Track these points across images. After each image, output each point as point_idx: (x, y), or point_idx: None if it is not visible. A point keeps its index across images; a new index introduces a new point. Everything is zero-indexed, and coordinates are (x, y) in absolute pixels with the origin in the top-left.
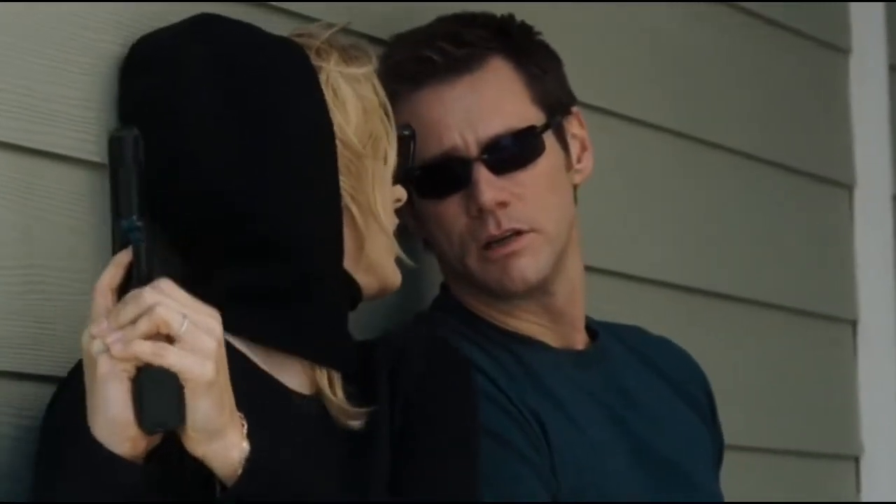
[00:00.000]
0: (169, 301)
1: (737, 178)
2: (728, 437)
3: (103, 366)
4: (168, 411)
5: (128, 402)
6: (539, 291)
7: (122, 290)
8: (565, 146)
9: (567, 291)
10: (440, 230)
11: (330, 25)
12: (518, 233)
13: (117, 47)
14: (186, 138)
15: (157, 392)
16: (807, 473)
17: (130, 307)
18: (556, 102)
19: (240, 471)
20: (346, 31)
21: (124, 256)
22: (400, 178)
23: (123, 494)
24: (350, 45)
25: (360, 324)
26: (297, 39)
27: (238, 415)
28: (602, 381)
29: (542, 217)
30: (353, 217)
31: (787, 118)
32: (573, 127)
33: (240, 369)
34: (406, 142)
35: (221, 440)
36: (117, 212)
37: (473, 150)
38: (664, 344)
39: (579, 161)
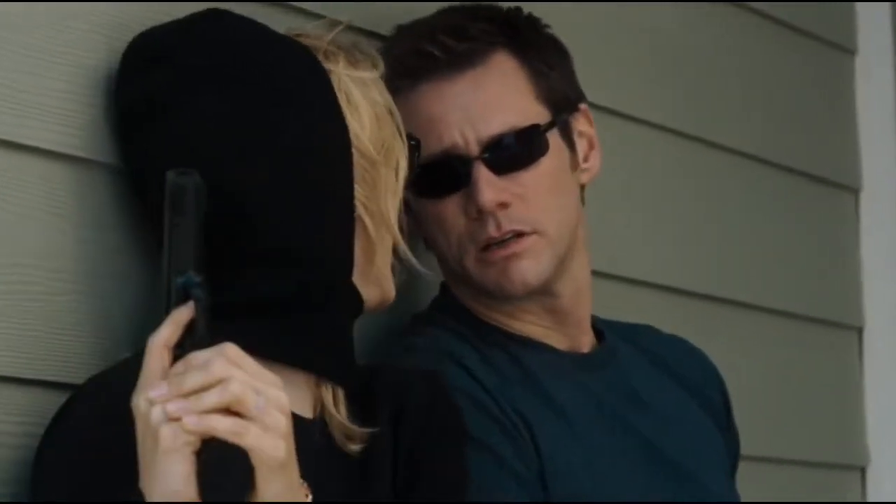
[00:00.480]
0: (240, 374)
1: (740, 179)
2: None
3: (166, 438)
4: (235, 490)
5: (191, 477)
6: (542, 293)
7: (176, 348)
8: (571, 145)
9: (571, 293)
10: (439, 230)
11: (332, 25)
12: (519, 234)
13: (103, 38)
14: (190, 138)
15: (224, 469)
16: (811, 484)
17: (197, 374)
18: (563, 99)
19: None
20: (347, 28)
21: (184, 313)
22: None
23: None
24: (353, 46)
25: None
26: (297, 40)
27: (304, 487)
28: (608, 383)
29: (544, 218)
30: (365, 227)
31: (791, 119)
32: (581, 124)
33: None
34: (411, 152)
35: None
36: (177, 266)
37: (474, 149)
38: (677, 343)
39: (586, 160)
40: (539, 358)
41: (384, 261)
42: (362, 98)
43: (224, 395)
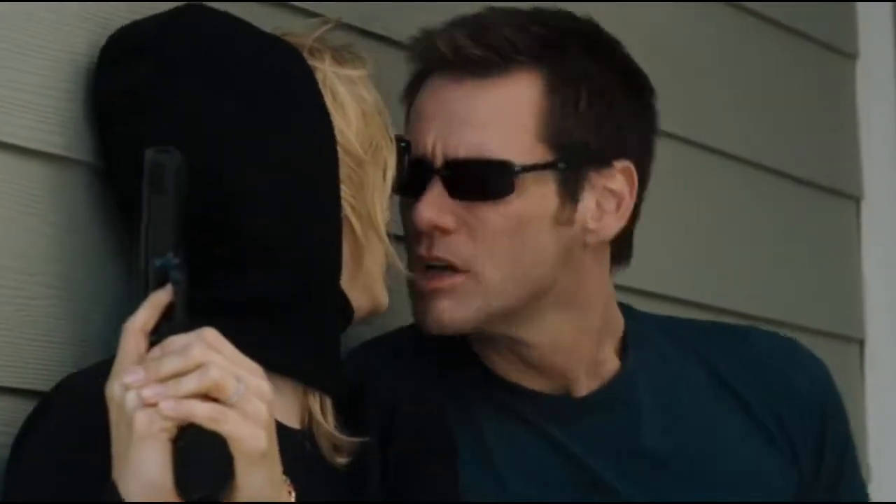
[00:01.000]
0: (220, 359)
1: (737, 185)
2: None
3: (141, 423)
4: (214, 480)
5: (167, 466)
6: (502, 336)
7: (152, 333)
8: (573, 198)
9: (549, 345)
10: (406, 233)
11: (322, 24)
12: (452, 268)
13: (81, 31)
14: (171, 133)
15: (202, 457)
16: None
17: (175, 359)
18: (580, 147)
19: None
20: (343, 29)
21: (162, 297)
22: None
23: None
24: (341, 46)
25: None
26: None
27: (287, 484)
28: (592, 429)
29: (487, 262)
30: (352, 228)
31: (790, 124)
32: (613, 182)
33: None
34: (400, 153)
35: None
36: (153, 247)
37: (438, 162)
38: (769, 355)
39: (597, 220)
40: (498, 400)
41: (375, 264)
42: (348, 95)
43: (203, 380)
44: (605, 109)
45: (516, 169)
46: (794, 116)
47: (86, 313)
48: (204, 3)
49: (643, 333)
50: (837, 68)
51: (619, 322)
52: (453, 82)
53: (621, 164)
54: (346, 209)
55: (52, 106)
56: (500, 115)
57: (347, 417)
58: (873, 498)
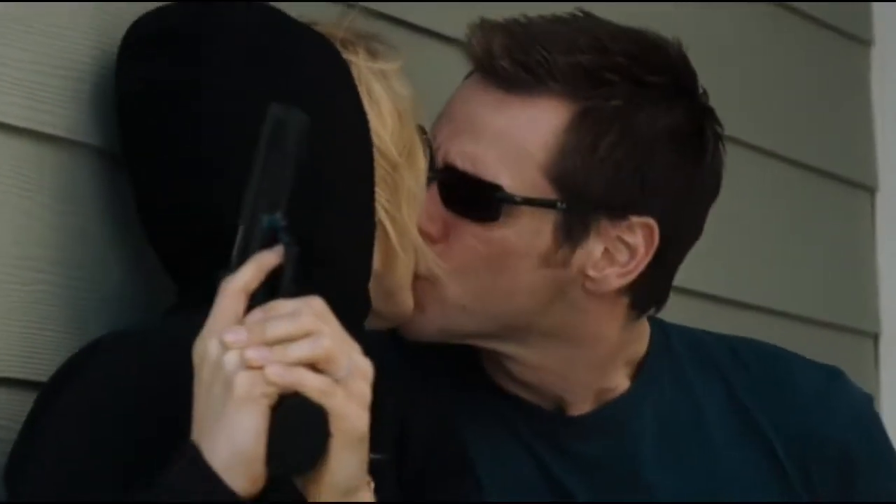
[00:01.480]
0: (330, 331)
1: (750, 175)
2: None
3: (241, 386)
4: (309, 454)
5: (262, 433)
6: (492, 351)
7: (253, 296)
8: (572, 240)
9: (537, 366)
10: None
11: (346, 10)
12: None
13: (72, 6)
14: (200, 126)
15: (302, 430)
16: None
17: (284, 322)
18: (588, 192)
19: None
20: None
21: (270, 258)
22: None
23: None
24: (370, 36)
25: None
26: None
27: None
28: (584, 454)
29: (452, 279)
30: (386, 234)
31: (804, 112)
32: (628, 234)
33: None
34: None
35: (353, 498)
36: (264, 203)
37: (439, 163)
38: (807, 390)
39: (599, 269)
40: (493, 407)
41: (405, 271)
42: (384, 93)
43: (315, 349)
44: (631, 161)
45: (506, 196)
46: (808, 104)
47: (81, 301)
48: None
49: (667, 357)
50: (852, 56)
51: (638, 349)
52: (483, 88)
53: (641, 220)
54: (381, 213)
55: (43, 83)
56: (510, 136)
57: None
58: None
